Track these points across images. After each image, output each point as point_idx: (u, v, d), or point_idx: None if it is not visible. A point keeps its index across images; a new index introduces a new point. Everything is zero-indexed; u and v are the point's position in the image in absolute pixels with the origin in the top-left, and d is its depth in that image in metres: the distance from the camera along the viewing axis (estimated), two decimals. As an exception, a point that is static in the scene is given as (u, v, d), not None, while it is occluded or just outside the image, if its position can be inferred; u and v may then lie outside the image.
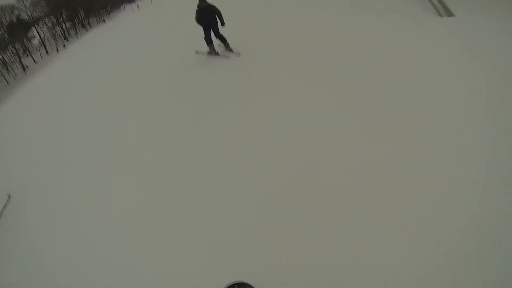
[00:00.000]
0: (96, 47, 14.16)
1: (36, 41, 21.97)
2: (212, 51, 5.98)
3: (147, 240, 2.74)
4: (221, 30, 5.65)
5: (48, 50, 21.63)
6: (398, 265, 1.97)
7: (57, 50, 21.17)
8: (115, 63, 8.55)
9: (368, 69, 4.38)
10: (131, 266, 2.58)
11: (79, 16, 23.34)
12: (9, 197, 4.48)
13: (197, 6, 5.40)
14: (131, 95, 5.86)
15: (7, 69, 20.08)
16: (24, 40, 20.66)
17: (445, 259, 1.93)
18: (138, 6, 23.64)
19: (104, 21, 23.54)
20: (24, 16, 22.20)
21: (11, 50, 20.24)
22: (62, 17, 23.43)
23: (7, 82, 20.22)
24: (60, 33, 22.74)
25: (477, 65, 3.92)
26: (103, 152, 4.51)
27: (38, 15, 22.57)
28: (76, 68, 11.07)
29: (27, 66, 20.17)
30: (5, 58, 19.95)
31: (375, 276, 1.95)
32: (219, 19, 5.40)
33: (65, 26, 23.58)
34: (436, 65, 4.11)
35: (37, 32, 22.27)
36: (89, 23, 23.61)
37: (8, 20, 21.00)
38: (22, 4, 22.32)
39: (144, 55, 8.25)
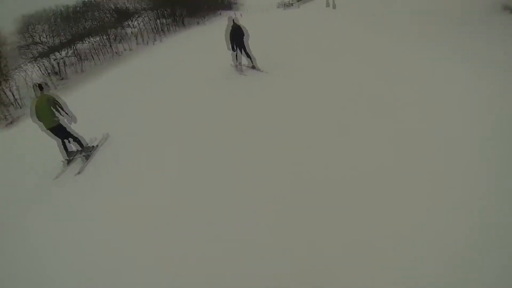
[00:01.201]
0: (184, 47, 15.34)
1: (130, 31, 22.45)
2: (235, 65, 6.61)
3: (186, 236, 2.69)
4: (249, 49, 6.30)
5: (143, 40, 21.90)
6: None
7: (147, 42, 21.32)
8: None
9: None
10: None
11: (177, 15, 23.37)
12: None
13: (229, 26, 6.18)
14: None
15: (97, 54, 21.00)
16: (119, 28, 21.09)
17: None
18: (241, 15, 23.09)
19: (198, 23, 23.46)
20: (128, 6, 23.06)
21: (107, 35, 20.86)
22: (163, 12, 23.82)
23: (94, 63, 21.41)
24: (157, 28, 22.95)
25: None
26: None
27: (140, 8, 23.19)
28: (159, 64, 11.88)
29: (121, 52, 20.54)
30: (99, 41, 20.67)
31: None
32: (245, 37, 6.08)
33: (164, 22, 23.91)
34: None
35: (135, 23, 22.86)
36: (183, 23, 23.46)
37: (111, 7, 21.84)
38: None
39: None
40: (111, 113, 6.81)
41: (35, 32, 21.12)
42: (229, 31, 6.10)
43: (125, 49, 20.84)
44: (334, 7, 19.41)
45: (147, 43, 21.30)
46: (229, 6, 26.12)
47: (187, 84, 7.25)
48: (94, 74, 19.90)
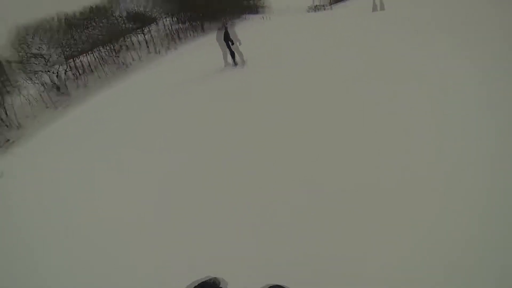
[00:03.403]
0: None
1: (141, 38, 19.10)
2: (226, 62, 7.89)
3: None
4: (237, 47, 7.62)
5: (155, 49, 18.47)
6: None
7: (158, 52, 17.87)
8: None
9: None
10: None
11: (195, 19, 19.87)
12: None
13: (218, 29, 7.76)
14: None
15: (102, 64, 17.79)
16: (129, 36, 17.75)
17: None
18: (268, 18, 19.47)
19: (219, 28, 20.04)
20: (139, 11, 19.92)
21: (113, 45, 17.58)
22: (178, 18, 20.42)
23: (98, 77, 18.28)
24: (173, 34, 19.52)
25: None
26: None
27: (157, 13, 19.91)
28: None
29: (129, 63, 17.12)
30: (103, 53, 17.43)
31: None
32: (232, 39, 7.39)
33: (180, 27, 20.50)
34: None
35: (147, 30, 19.55)
36: (202, 29, 19.92)
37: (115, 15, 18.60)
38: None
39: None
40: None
41: (33, 44, 18.26)
42: (222, 35, 7.49)
43: (133, 59, 17.46)
44: (382, 8, 15.09)
45: (159, 51, 17.85)
46: (255, 10, 22.88)
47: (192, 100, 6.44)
48: (96, 89, 16.61)
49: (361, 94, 4.85)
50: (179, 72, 10.76)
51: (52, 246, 3.41)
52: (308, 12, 25.39)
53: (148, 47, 18.51)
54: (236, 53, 7.70)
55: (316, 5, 27.33)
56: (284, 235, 2.37)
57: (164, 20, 21.16)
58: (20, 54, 16.86)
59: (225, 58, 7.82)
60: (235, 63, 7.79)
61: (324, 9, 25.70)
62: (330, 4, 26.62)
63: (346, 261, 1.98)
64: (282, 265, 2.14)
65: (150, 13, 21.56)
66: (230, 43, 7.50)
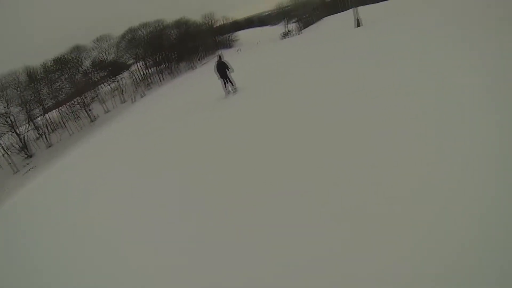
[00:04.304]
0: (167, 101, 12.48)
1: (109, 87, 18.15)
2: (225, 90, 8.25)
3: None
4: (231, 77, 8.11)
5: (123, 99, 17.48)
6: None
7: (132, 99, 16.96)
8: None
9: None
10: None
11: (167, 61, 19.20)
12: None
13: (216, 61, 8.15)
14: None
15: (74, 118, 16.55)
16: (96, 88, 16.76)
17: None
18: (237, 51, 19.23)
19: (193, 68, 19.50)
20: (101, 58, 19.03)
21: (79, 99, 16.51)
22: (147, 62, 19.72)
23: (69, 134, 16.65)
24: (143, 78, 18.68)
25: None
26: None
27: (120, 60, 19.12)
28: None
29: (94, 117, 15.94)
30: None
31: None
32: (229, 69, 8.02)
33: (152, 71, 19.76)
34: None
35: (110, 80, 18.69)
36: (177, 69, 19.27)
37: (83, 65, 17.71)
38: (99, 45, 19.16)
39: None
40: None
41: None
42: (215, 65, 8.15)
43: (106, 111, 16.33)
44: (359, 24, 15.33)
45: (133, 98, 16.86)
46: (228, 44, 22.83)
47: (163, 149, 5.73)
48: (62, 149, 15.25)
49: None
50: (143, 124, 9.94)
51: None
52: (282, 39, 25.86)
53: (113, 97, 17.52)
54: (232, 81, 8.47)
55: (287, 32, 27.98)
56: None
57: (137, 65, 20.49)
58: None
59: (224, 87, 8.41)
60: (235, 90, 8.40)
61: (294, 34, 26.27)
62: (299, 30, 27.33)
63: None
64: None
65: (121, 60, 20.84)
66: (228, 72, 8.25)
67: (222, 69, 8.25)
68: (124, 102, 17.13)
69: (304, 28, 28.19)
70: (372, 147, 3.03)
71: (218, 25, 30.78)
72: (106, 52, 19.29)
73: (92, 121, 15.38)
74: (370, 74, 5.39)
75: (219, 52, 21.77)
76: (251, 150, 4.03)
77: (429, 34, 6.79)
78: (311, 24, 29.17)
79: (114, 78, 17.89)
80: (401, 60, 5.98)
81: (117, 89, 17.79)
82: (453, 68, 4.34)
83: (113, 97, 18.00)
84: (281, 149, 3.77)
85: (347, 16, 20.27)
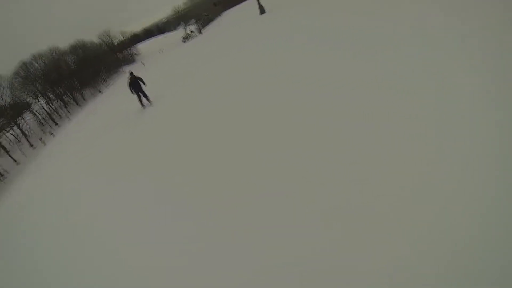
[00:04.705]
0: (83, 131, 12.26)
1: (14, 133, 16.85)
2: (142, 105, 9.02)
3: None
4: (144, 91, 8.87)
5: (32, 142, 16.46)
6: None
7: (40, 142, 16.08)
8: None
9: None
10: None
11: (69, 91, 18.56)
12: None
13: (129, 78, 8.73)
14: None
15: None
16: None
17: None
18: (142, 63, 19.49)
19: (100, 91, 19.08)
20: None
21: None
22: (48, 96, 18.69)
23: None
24: (51, 114, 17.75)
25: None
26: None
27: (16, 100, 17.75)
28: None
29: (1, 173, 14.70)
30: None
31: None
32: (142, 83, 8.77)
33: (54, 107, 18.77)
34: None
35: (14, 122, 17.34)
36: (83, 97, 18.84)
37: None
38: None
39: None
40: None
41: None
42: (129, 82, 8.61)
43: (16, 161, 15.22)
44: (264, 10, 15.43)
45: (42, 140, 15.95)
46: (131, 60, 22.65)
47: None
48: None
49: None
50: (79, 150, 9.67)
51: None
52: (184, 42, 26.41)
53: (28, 139, 16.27)
54: (146, 95, 8.82)
55: (188, 34, 28.69)
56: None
57: (38, 102, 18.88)
58: None
59: (140, 101, 8.82)
60: (150, 102, 8.74)
61: (196, 35, 27.21)
62: (199, 30, 28.34)
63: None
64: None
65: (19, 100, 18.81)
66: (142, 86, 8.60)
67: (136, 84, 8.53)
68: (34, 147, 16.11)
69: (204, 27, 29.30)
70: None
71: (117, 41, 29.88)
72: (1, 98, 17.47)
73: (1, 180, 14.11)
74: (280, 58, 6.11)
75: (123, 69, 21.66)
76: (187, 153, 4.39)
77: (322, 16, 8.07)
78: (212, 21, 30.19)
79: (15, 122, 16.55)
80: (296, 35, 7.27)
81: (23, 134, 16.56)
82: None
83: (22, 144, 16.73)
84: (215, 150, 4.07)
85: (249, 6, 20.71)
